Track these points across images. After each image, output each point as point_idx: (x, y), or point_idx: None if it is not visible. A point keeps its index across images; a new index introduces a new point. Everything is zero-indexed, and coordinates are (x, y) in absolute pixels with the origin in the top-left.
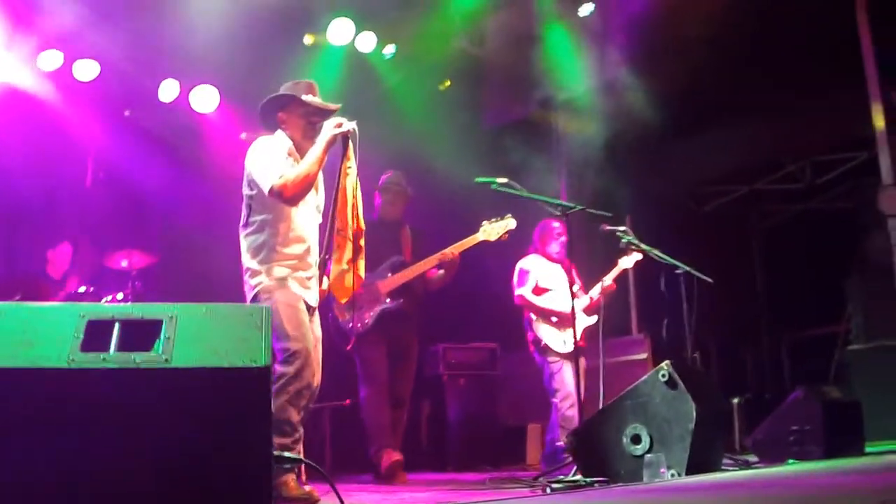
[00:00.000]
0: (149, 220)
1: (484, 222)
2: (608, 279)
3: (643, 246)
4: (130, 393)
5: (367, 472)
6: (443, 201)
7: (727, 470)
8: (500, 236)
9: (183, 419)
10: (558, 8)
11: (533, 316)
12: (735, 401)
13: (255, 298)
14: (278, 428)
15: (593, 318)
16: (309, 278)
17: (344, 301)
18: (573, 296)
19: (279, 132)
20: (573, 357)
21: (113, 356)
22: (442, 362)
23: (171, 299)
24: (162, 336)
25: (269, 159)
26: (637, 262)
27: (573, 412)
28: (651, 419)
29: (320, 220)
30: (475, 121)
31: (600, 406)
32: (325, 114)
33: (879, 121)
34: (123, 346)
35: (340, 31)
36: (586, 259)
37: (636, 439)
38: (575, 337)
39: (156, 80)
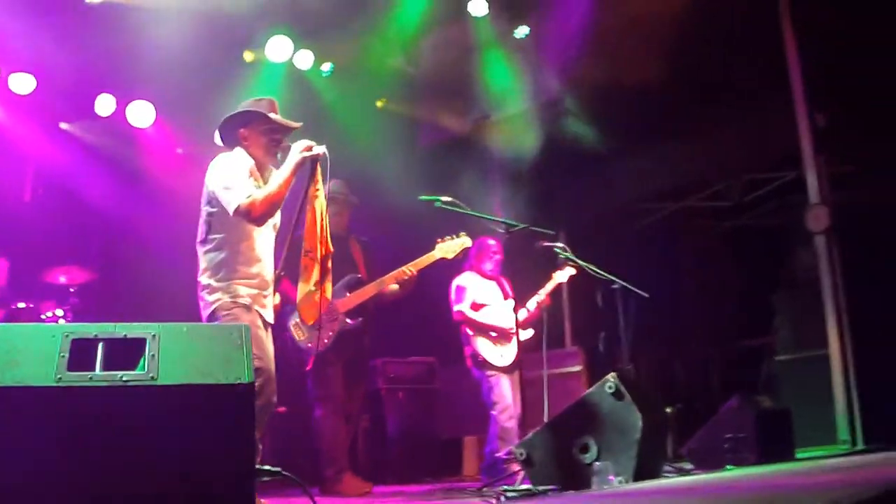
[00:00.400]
0: (88, 236)
1: (438, 240)
2: (543, 293)
3: (580, 262)
4: (118, 410)
5: (312, 485)
6: (382, 216)
7: (670, 476)
8: (457, 254)
9: (170, 434)
10: (494, 29)
11: (469, 331)
12: (668, 410)
13: (212, 315)
14: None
15: (529, 332)
16: (265, 296)
17: (311, 322)
18: (515, 310)
19: (238, 149)
20: (510, 370)
21: (100, 374)
22: (381, 376)
23: (111, 315)
24: (146, 354)
25: (233, 178)
26: (571, 277)
27: (512, 424)
28: (599, 429)
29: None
30: (411, 138)
31: (545, 416)
32: (287, 131)
33: (806, 142)
34: (108, 364)
35: (278, 48)
36: (521, 274)
37: (584, 448)
38: (518, 349)
39: (92, 94)
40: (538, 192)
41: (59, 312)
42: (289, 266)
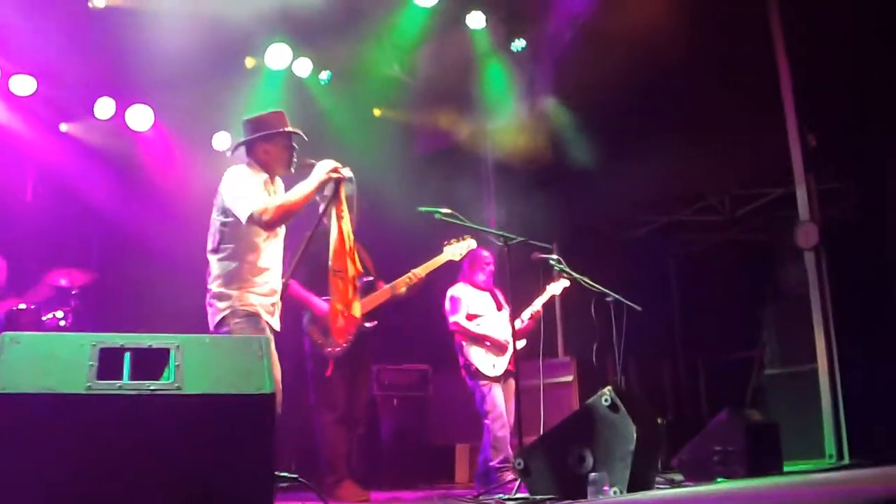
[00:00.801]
0: (89, 238)
1: (445, 243)
2: (537, 304)
3: (574, 274)
4: (145, 418)
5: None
6: (378, 222)
7: (662, 487)
8: (464, 255)
9: (194, 442)
10: (491, 41)
11: (464, 341)
12: (658, 422)
13: (221, 321)
14: None
15: (522, 343)
16: (274, 304)
17: (343, 342)
18: (511, 321)
19: (250, 161)
20: (503, 380)
21: (128, 383)
22: (376, 383)
23: (111, 318)
24: (171, 364)
25: (248, 188)
26: (564, 289)
27: (505, 433)
28: (595, 440)
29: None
30: (407, 146)
31: (541, 426)
32: (301, 142)
33: (797, 160)
34: (134, 373)
35: (278, 55)
36: (514, 286)
37: (581, 459)
38: (512, 360)
39: (92, 97)
40: (530, 202)
41: (60, 314)
42: (298, 273)
